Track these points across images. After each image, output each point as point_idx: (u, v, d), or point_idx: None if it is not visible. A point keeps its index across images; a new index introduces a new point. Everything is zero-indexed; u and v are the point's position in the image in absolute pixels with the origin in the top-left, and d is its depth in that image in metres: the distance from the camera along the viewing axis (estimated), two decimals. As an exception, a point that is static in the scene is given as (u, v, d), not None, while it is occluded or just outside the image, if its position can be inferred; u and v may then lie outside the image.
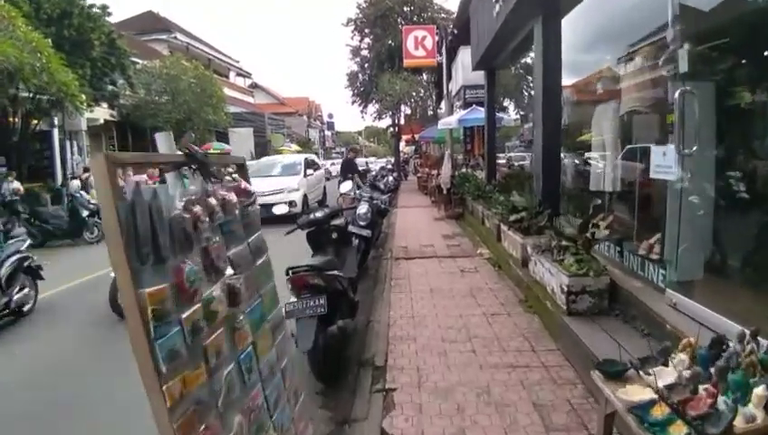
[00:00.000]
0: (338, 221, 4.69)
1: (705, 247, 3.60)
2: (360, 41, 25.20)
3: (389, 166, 25.69)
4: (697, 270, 3.59)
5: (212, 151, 25.45)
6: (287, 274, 3.30)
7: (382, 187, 9.33)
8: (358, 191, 8.15)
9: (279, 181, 12.17)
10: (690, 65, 3.39)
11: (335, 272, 3.56)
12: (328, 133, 53.10)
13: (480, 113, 11.89)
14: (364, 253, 6.46)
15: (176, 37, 30.33)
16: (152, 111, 18.56)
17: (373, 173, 18.48)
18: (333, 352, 3.32)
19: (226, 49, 49.22)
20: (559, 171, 6.38)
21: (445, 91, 15.49)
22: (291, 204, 10.33)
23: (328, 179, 18.23)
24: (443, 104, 18.51)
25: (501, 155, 12.88)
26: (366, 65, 25.15)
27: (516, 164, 12.37)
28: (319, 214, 4.45)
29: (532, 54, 10.11)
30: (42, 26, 13.01)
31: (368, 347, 3.89)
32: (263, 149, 32.83)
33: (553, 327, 4.05)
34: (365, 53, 24.96)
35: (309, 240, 4.46)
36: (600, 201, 5.23)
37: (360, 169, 13.50)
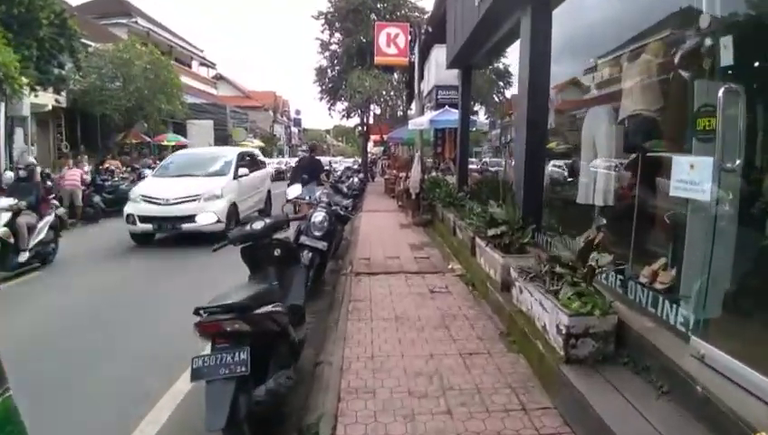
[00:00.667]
0: (283, 234, 3.76)
1: (743, 285, 2.87)
2: (331, 35, 24.14)
3: (356, 166, 24.75)
4: (730, 313, 2.87)
5: (166, 143, 23.92)
6: (197, 314, 2.36)
7: (345, 190, 8.42)
8: (315, 195, 7.24)
9: (196, 184, 8.91)
10: (736, 56, 2.65)
11: (269, 308, 2.63)
12: (294, 130, 51.54)
13: (453, 115, 11.17)
14: (319, 267, 5.54)
15: (136, 22, 28.57)
16: (100, 98, 16.99)
17: (338, 174, 17.55)
18: (259, 424, 2.39)
19: (193, 38, 46.71)
20: (543, 181, 5.66)
21: (416, 91, 14.69)
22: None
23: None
24: (413, 105, 17.76)
25: (473, 160, 12.17)
26: (335, 61, 24.10)
27: (491, 170, 11.60)
28: (257, 225, 3.51)
29: (507, 56, 9.53)
30: None
31: (312, 405, 2.97)
32: (223, 143, 31.24)
33: (547, 376, 3.25)
34: (335, 47, 23.92)
35: (244, 258, 3.53)
36: (603, 220, 4.48)
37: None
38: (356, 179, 14.62)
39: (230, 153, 10.76)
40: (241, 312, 2.35)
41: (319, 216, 5.53)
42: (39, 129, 18.85)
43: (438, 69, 13.83)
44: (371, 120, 25.58)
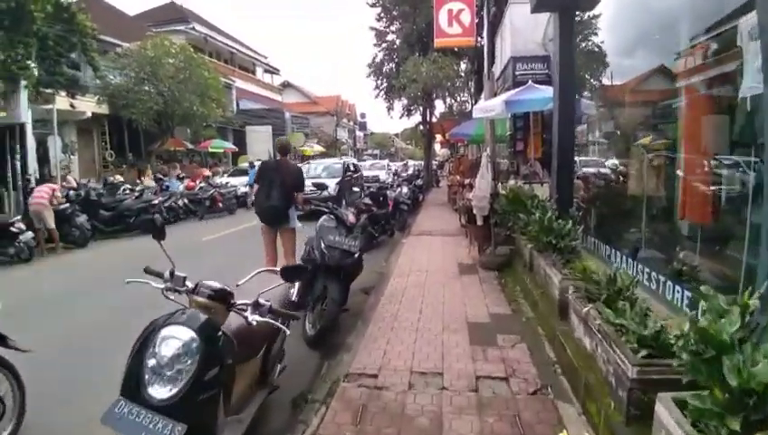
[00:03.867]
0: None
1: None
2: (388, 24, 20.48)
3: (410, 171, 20.59)
4: None
5: (212, 150, 21.50)
6: None
7: (352, 218, 4.60)
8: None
9: None
10: None
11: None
12: (360, 134, 48.17)
13: (541, 92, 6.91)
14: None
15: (194, 28, 26.75)
16: (125, 101, 14.55)
17: (388, 181, 13.84)
18: None
19: (260, 46, 44.65)
20: None
21: (485, 71, 10.49)
22: None
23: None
24: (483, 93, 13.53)
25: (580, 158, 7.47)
26: (393, 54, 20.39)
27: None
28: None
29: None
30: None
31: None
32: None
33: None
34: (392, 37, 20.22)
35: None
36: None
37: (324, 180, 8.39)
38: (405, 190, 10.71)
39: None
40: None
41: (172, 343, 1.75)
42: (80, 137, 16.93)
43: (516, 35, 9.60)
44: (435, 118, 21.58)
